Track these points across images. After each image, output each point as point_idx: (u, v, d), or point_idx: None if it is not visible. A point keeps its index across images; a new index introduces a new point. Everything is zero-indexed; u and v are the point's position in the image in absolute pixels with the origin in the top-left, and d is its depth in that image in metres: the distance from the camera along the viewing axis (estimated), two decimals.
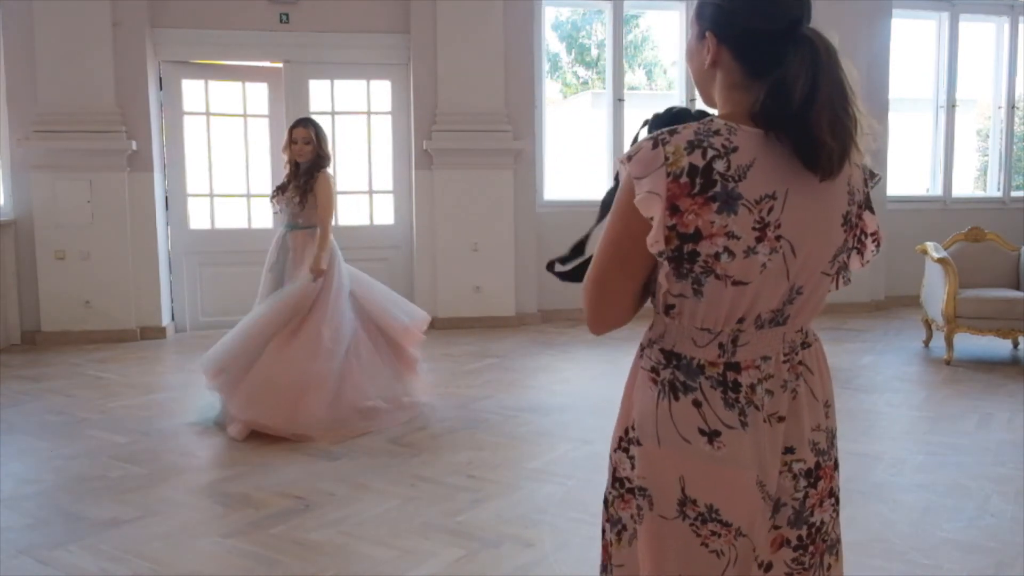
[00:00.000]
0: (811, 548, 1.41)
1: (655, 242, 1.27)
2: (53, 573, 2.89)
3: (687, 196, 1.23)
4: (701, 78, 1.39)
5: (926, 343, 6.58)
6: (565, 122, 15.53)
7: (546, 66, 8.40)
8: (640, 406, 1.39)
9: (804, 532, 1.41)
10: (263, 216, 7.63)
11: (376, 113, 7.65)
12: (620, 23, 8.04)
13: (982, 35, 9.13)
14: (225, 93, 7.51)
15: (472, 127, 7.43)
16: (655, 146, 1.25)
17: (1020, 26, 8.81)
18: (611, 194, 1.41)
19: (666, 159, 1.24)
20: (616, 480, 1.44)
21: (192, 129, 7.45)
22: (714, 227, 1.24)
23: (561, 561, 2.95)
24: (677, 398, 1.34)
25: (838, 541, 1.48)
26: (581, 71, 19.21)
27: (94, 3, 6.79)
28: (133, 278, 7.07)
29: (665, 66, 17.02)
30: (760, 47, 1.29)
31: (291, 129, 4.91)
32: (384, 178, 7.72)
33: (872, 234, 1.43)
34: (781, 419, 1.36)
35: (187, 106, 7.41)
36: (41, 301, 6.93)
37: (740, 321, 1.32)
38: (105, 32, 6.85)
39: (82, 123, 6.83)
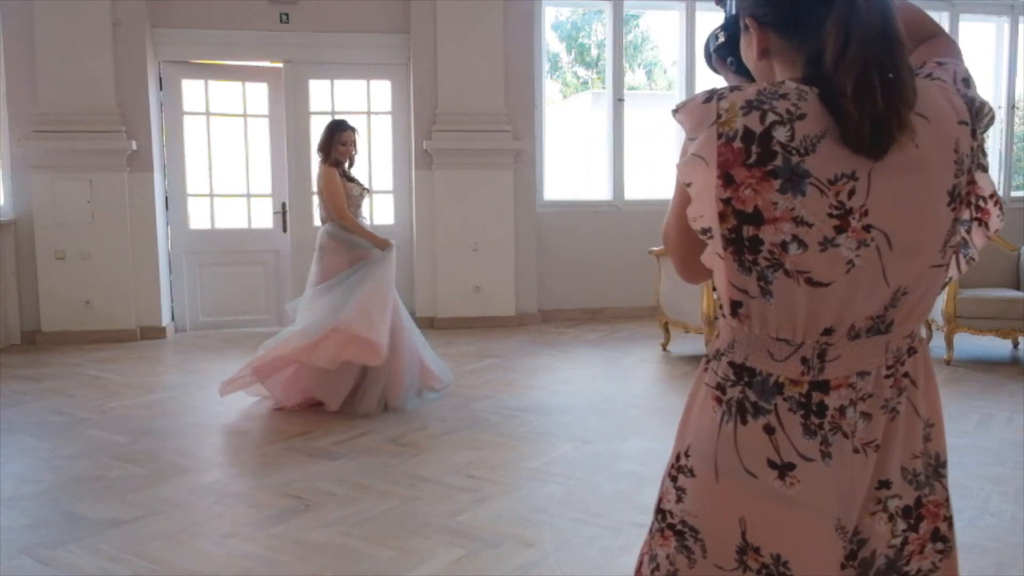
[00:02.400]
0: None
1: (698, 216, 1.07)
2: (53, 573, 2.89)
3: (742, 165, 1.02)
4: (758, 75, 1.19)
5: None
6: (565, 122, 15.53)
7: (546, 66, 8.40)
8: (698, 430, 1.16)
9: None
10: (263, 216, 7.64)
11: (376, 113, 7.66)
12: (620, 23, 8.05)
13: (982, 35, 9.13)
14: (225, 93, 7.51)
15: (472, 127, 7.43)
16: (708, 99, 1.05)
17: (1020, 26, 8.81)
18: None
19: (718, 116, 1.03)
20: (659, 511, 1.22)
21: (192, 129, 7.45)
22: (777, 209, 1.02)
23: (561, 561, 2.95)
24: (745, 421, 1.11)
25: None
26: (581, 71, 19.21)
27: (94, 3, 6.80)
28: (133, 278, 7.07)
29: (665, 66, 17.02)
30: (799, 15, 1.09)
31: (340, 132, 5.05)
32: (384, 178, 7.73)
33: (991, 196, 1.17)
34: (878, 447, 1.12)
35: (187, 106, 7.41)
36: (41, 301, 6.93)
37: (828, 332, 1.08)
38: (105, 32, 6.85)
39: (82, 123, 6.83)
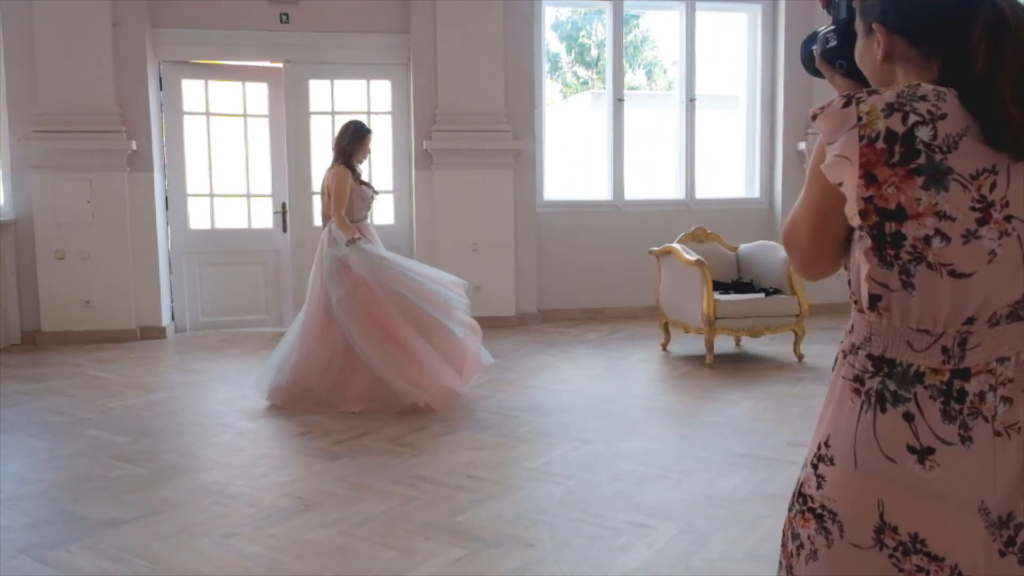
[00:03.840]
0: None
1: (853, 215, 1.13)
2: (53, 573, 2.89)
3: (885, 165, 1.08)
4: (879, 78, 1.24)
5: None
6: (565, 122, 15.53)
7: (546, 66, 8.40)
8: (837, 421, 1.22)
9: None
10: (263, 216, 7.64)
11: (376, 113, 7.65)
12: (620, 23, 8.04)
13: None
14: (225, 93, 7.51)
15: (472, 127, 7.43)
16: (847, 104, 1.11)
17: None
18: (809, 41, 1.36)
19: (859, 120, 1.10)
20: (800, 495, 1.28)
21: (192, 129, 7.45)
22: (920, 205, 1.08)
23: (561, 561, 2.95)
24: (884, 410, 1.16)
25: None
26: (581, 71, 19.21)
27: (94, 3, 6.80)
28: (133, 278, 7.07)
29: (665, 66, 17.02)
30: (935, 22, 1.15)
31: (368, 134, 5.22)
32: (384, 178, 7.72)
33: None
34: (1020, 429, 1.15)
35: (187, 106, 7.41)
36: (41, 301, 6.93)
37: (969, 321, 1.13)
38: (105, 32, 6.85)
39: (82, 123, 6.83)
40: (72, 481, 3.78)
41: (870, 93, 1.11)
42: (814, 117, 1.15)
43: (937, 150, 1.08)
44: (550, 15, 10.04)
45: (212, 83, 7.48)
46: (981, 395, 1.14)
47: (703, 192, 8.31)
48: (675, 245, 6.38)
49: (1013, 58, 1.09)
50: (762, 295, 6.12)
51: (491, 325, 7.47)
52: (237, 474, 3.87)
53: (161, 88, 7.29)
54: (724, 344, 6.42)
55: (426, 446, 4.25)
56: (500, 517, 3.33)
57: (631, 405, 5.06)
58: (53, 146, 6.80)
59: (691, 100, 8.14)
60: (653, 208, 8.14)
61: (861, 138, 1.09)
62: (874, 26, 1.21)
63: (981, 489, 1.14)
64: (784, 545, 1.33)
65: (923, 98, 1.09)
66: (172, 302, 7.48)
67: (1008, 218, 1.10)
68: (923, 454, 1.14)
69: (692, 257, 6.04)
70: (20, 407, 5.03)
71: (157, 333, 7.17)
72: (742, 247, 6.72)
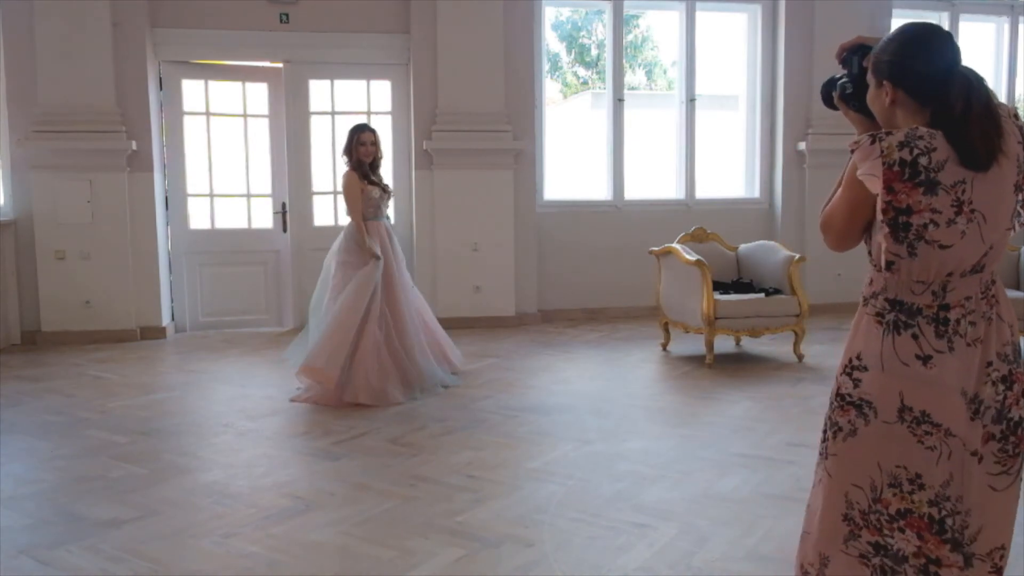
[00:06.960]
0: (1012, 439, 1.81)
1: (878, 212, 1.71)
2: (53, 573, 2.89)
3: (899, 181, 1.68)
4: (884, 116, 1.84)
5: None
6: (565, 122, 15.51)
7: (546, 66, 8.40)
8: (867, 342, 1.82)
9: (1004, 427, 1.81)
10: (263, 216, 7.64)
11: (376, 113, 7.65)
12: (620, 23, 8.04)
13: (982, 35, 9.12)
14: (225, 93, 7.51)
15: (472, 127, 7.43)
16: (873, 142, 1.71)
17: (1020, 26, 8.80)
18: (829, 84, 1.97)
19: (881, 152, 1.69)
20: (839, 395, 1.87)
21: (192, 129, 7.45)
22: (921, 205, 1.68)
23: (561, 561, 2.95)
24: (899, 333, 1.78)
25: None
26: (581, 71, 19.19)
27: (94, 3, 6.80)
28: (133, 278, 7.07)
29: (665, 66, 17.01)
30: (928, 84, 1.76)
31: (359, 133, 5.37)
32: (385, 178, 7.69)
33: None
34: (981, 342, 1.78)
35: (187, 106, 7.41)
36: (41, 301, 6.93)
37: (949, 275, 1.74)
38: (105, 32, 6.85)
39: (82, 123, 6.83)
40: (72, 481, 3.78)
41: (887, 134, 1.70)
42: (852, 150, 1.74)
43: (931, 171, 1.68)
44: (550, 15, 10.04)
45: (212, 83, 7.48)
46: (957, 321, 1.76)
47: (703, 192, 8.31)
48: (675, 245, 6.38)
49: (977, 110, 1.71)
50: (762, 295, 6.12)
51: (491, 325, 7.49)
52: (237, 474, 3.87)
53: (161, 88, 7.30)
54: (724, 344, 6.42)
55: (426, 446, 4.25)
56: (500, 517, 3.33)
57: (631, 405, 5.06)
58: (53, 146, 6.80)
59: (691, 100, 8.14)
60: (653, 208, 8.14)
61: (884, 164, 1.69)
62: (884, 82, 1.81)
63: (960, 379, 1.76)
64: (824, 435, 1.91)
65: (920, 138, 1.69)
66: (172, 302, 7.48)
67: (972, 211, 1.71)
68: (925, 359, 1.76)
69: (692, 257, 6.04)
70: (20, 407, 5.03)
71: (157, 333, 7.17)
72: (742, 247, 6.72)
